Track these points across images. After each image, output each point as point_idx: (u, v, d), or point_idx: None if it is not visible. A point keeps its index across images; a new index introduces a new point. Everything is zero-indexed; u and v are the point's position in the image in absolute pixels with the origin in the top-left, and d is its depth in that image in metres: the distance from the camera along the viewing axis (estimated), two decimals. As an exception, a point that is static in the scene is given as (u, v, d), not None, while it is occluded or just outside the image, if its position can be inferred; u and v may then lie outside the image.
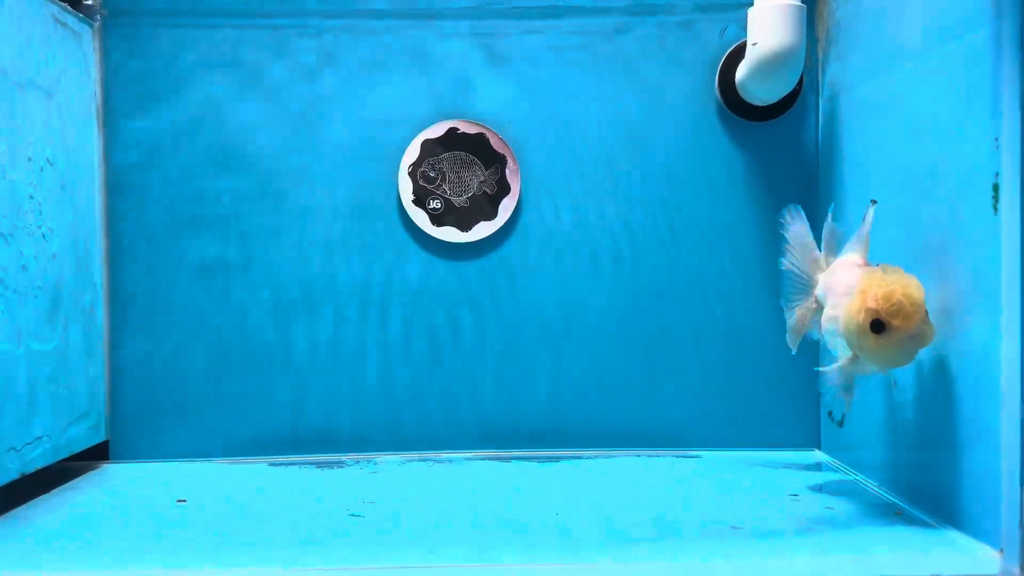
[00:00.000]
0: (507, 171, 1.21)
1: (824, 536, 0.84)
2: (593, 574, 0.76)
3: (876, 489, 1.00)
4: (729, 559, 0.78)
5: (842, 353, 0.87)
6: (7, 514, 0.95)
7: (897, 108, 0.98)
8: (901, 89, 0.97)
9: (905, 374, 0.94)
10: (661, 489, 1.03)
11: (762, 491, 1.01)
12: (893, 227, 0.98)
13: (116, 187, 1.19)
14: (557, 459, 1.17)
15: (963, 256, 0.83)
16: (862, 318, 0.80)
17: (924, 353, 0.90)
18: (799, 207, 0.96)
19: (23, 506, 0.98)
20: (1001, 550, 0.75)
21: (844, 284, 0.85)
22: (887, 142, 1.00)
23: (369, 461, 1.17)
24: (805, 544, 0.82)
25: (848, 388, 0.89)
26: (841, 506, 0.94)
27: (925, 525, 0.87)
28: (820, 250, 0.94)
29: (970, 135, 0.81)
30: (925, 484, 0.90)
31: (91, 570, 0.77)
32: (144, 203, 1.19)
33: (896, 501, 0.95)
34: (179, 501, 0.98)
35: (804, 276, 0.95)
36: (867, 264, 0.87)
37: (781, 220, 0.96)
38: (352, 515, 0.92)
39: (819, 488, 1.02)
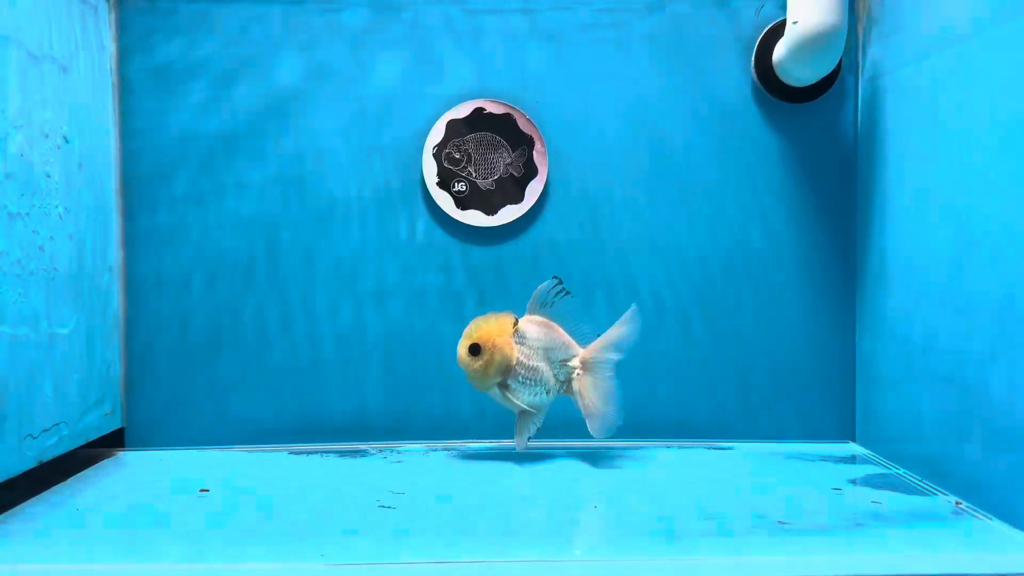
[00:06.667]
0: (535, 153, 1.17)
1: (876, 532, 0.81)
2: (647, 570, 0.73)
3: (921, 483, 0.97)
4: (784, 555, 0.75)
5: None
6: (24, 504, 0.91)
7: (947, 92, 0.94)
8: (952, 72, 0.93)
9: (954, 368, 0.91)
10: (699, 482, 1.00)
11: (802, 485, 0.98)
12: (939, 220, 0.95)
13: (132, 167, 1.15)
14: (586, 450, 1.14)
15: (1021, 252, 0.80)
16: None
17: (973, 346, 0.87)
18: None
19: (40, 495, 0.94)
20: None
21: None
22: (936, 128, 0.97)
23: (392, 450, 1.14)
24: (858, 540, 0.79)
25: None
26: (888, 500, 0.91)
27: (979, 521, 0.84)
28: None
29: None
30: (977, 479, 0.87)
31: (121, 562, 0.74)
32: (161, 184, 1.15)
33: (943, 494, 0.92)
34: (202, 491, 0.95)
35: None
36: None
37: None
38: (382, 506, 0.89)
39: (861, 481, 0.99)
